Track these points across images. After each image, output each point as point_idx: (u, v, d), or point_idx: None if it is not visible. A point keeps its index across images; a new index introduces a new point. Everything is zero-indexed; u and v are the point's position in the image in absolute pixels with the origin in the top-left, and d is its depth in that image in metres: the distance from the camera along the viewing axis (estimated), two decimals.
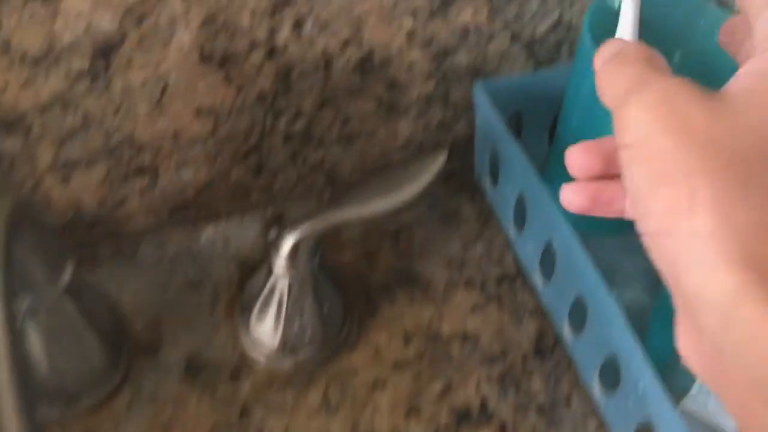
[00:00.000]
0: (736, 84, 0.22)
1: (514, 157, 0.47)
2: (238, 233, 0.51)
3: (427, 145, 0.54)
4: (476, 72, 0.50)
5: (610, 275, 0.51)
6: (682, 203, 0.20)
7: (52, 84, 0.40)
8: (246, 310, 0.46)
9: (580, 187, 0.27)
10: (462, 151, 0.55)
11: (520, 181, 0.48)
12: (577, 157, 0.26)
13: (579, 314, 0.45)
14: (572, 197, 0.27)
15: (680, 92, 0.21)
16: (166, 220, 0.51)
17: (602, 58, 0.25)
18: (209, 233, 0.51)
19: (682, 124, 0.20)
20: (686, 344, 0.22)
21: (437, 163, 0.44)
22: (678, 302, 0.21)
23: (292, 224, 0.41)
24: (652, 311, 0.46)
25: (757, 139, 0.20)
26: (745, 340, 0.18)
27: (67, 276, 0.38)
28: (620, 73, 0.23)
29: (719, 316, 0.19)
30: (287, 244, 0.41)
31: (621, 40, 0.26)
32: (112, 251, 0.50)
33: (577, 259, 0.43)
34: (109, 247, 0.50)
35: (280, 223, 0.52)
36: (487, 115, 0.49)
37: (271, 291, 0.43)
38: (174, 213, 0.51)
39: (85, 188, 0.46)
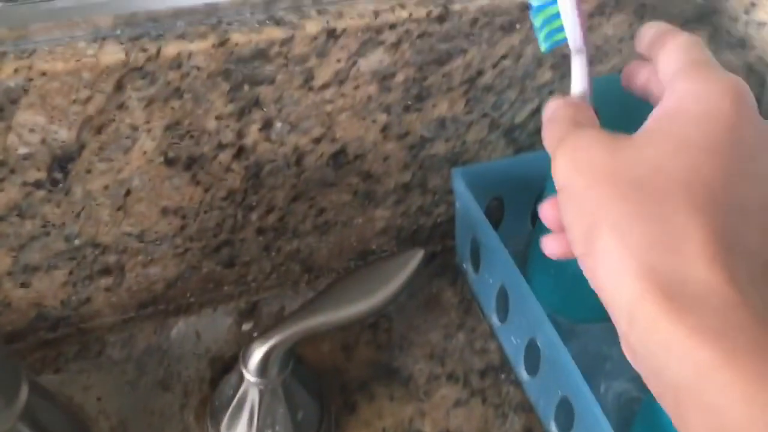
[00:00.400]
0: (645, 125, 0.26)
1: (495, 249, 0.46)
2: (210, 327, 0.49)
3: (406, 229, 0.52)
4: (455, 159, 0.48)
5: (600, 364, 0.49)
6: (592, 229, 0.24)
7: (7, 194, 0.38)
8: (217, 414, 0.44)
9: (557, 237, 0.30)
10: (442, 233, 0.53)
11: (501, 274, 0.46)
12: (548, 213, 0.29)
13: (567, 411, 0.43)
14: (553, 247, 0.30)
15: (589, 140, 0.25)
16: (133, 316, 0.49)
17: (545, 116, 0.29)
18: (180, 328, 0.49)
19: (589, 166, 0.25)
20: (623, 347, 0.24)
21: (415, 261, 0.42)
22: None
23: (264, 333, 0.40)
24: (638, 414, 0.44)
25: (650, 169, 0.23)
26: (645, 336, 0.22)
27: (22, 401, 0.36)
28: (552, 130, 0.28)
29: (626, 318, 0.22)
30: (258, 353, 0.39)
31: (557, 100, 0.30)
32: (77, 350, 0.48)
33: (561, 360, 0.41)
34: (74, 346, 0.48)
35: (254, 314, 0.51)
36: (466, 202, 0.47)
37: (243, 399, 0.41)
38: (142, 308, 0.49)
39: (47, 290, 0.44)
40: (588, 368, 0.40)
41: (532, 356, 0.45)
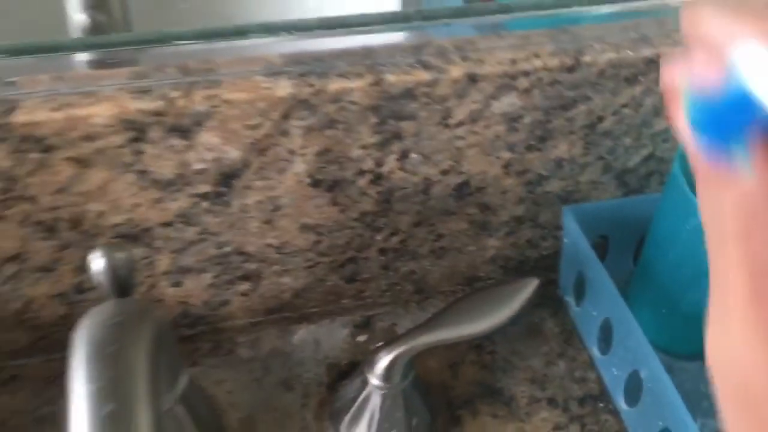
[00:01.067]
0: None
1: (602, 283, 0.48)
2: (329, 336, 0.54)
3: (513, 259, 0.56)
4: (567, 197, 0.52)
5: (696, 401, 0.51)
6: (725, 295, 0.22)
7: (179, 203, 0.44)
8: (337, 415, 0.48)
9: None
10: (546, 266, 0.56)
11: (606, 308, 0.49)
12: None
13: None
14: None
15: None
16: (262, 321, 0.54)
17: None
18: (301, 334, 0.54)
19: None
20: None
21: (529, 289, 0.46)
22: None
23: (391, 343, 0.44)
24: None
25: None
26: None
27: (182, 384, 0.41)
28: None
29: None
30: (384, 360, 0.44)
31: None
32: (211, 347, 0.53)
33: (665, 393, 0.44)
34: (208, 343, 0.53)
35: (368, 328, 0.55)
36: (575, 239, 0.51)
37: (365, 402, 0.46)
38: (270, 314, 0.54)
39: (194, 290, 0.50)
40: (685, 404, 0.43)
41: (632, 387, 0.48)
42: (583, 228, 0.50)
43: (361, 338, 0.55)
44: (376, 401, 0.45)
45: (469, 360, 0.53)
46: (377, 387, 0.44)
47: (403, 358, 0.44)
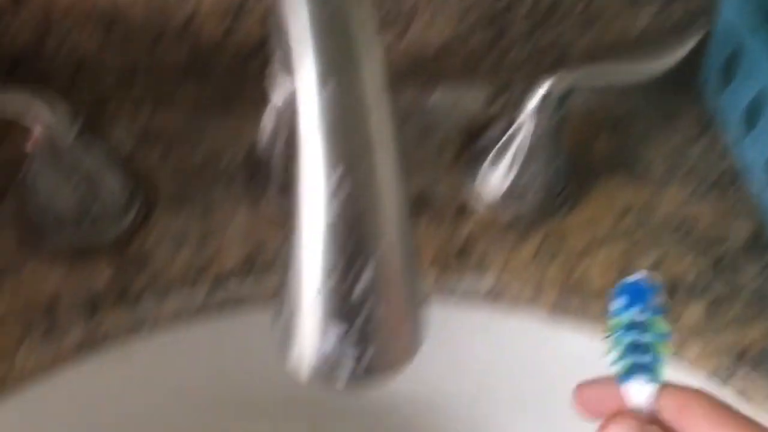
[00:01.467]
0: None
1: (762, 51, 0.47)
2: (466, 97, 0.55)
3: (658, 41, 0.55)
4: None
5: None
6: None
7: None
8: (477, 156, 0.49)
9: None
10: (692, 50, 0.55)
11: (762, 78, 0.48)
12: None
13: None
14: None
15: None
16: (402, 76, 0.55)
17: None
18: (439, 95, 0.55)
19: None
20: None
21: (691, 40, 0.45)
22: None
23: (546, 75, 0.44)
24: None
25: None
26: None
27: None
28: None
29: None
30: (539, 93, 0.44)
31: None
32: None
33: None
34: None
35: (504, 96, 0.55)
36: (733, 12, 0.49)
37: (511, 138, 0.46)
38: (410, 69, 0.54)
39: None
40: None
41: None
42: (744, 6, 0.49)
43: (497, 104, 0.55)
44: (525, 135, 0.46)
45: (604, 138, 0.53)
46: (529, 120, 0.45)
47: (558, 91, 0.44)
